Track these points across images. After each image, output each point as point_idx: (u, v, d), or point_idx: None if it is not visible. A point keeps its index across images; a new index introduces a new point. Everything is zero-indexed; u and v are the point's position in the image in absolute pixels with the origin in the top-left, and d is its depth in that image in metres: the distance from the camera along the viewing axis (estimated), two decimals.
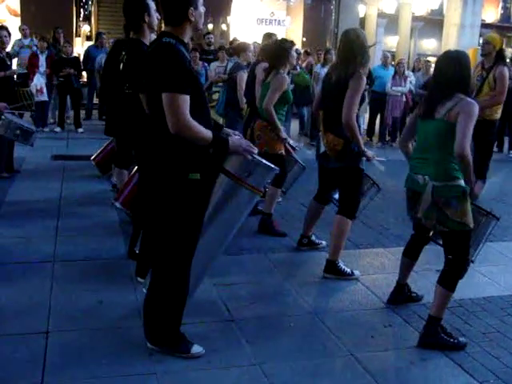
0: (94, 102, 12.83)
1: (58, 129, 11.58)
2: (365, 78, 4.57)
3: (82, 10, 16.61)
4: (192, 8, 3.18)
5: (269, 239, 5.67)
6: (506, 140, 12.53)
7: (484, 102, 6.81)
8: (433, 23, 24.84)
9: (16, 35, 12.32)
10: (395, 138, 12.29)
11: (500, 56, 7.20)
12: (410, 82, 12.40)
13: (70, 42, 12.54)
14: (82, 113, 12.50)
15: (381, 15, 22.33)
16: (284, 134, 5.72)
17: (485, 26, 21.72)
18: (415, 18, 23.64)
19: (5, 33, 7.43)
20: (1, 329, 3.64)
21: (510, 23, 28.69)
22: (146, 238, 4.36)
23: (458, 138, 3.51)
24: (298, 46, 14.31)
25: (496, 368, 3.54)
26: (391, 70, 12.51)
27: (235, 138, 3.35)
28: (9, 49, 9.08)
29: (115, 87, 4.96)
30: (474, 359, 3.63)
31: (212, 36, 12.02)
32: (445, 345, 3.71)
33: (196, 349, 3.45)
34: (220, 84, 9.44)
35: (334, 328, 3.93)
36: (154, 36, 4.61)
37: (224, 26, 17.03)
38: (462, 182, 3.64)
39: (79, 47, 16.38)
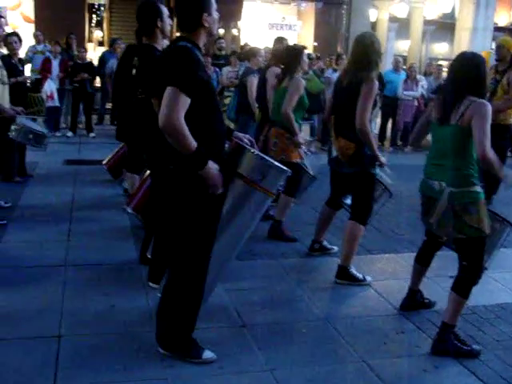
0: (107, 106, 12.88)
1: (69, 133, 11.64)
2: (377, 83, 4.55)
3: (94, 16, 16.70)
4: (206, 14, 3.19)
5: (280, 244, 5.66)
6: None
7: (498, 105, 6.76)
8: (444, 27, 24.73)
9: (30, 41, 12.43)
10: (407, 142, 12.24)
11: None
12: (422, 87, 12.36)
13: (85, 48, 12.61)
14: (94, 117, 12.56)
15: (392, 19, 22.27)
16: (301, 139, 5.71)
17: (497, 29, 21.60)
18: (427, 22, 23.55)
19: (15, 38, 7.51)
20: (13, 333, 3.65)
21: None
22: (158, 243, 4.37)
23: (478, 140, 3.45)
24: (310, 50, 14.29)
25: (511, 376, 3.50)
26: (403, 75, 12.48)
27: (214, 170, 3.13)
28: (22, 55, 9.15)
29: (127, 92, 4.98)
30: (488, 367, 3.59)
31: (223, 41, 12.02)
32: (458, 352, 3.68)
33: (207, 354, 3.44)
34: (231, 89, 9.45)
35: (346, 334, 3.91)
36: (166, 42, 4.62)
37: (235, 31, 17.06)
38: (478, 188, 3.61)
39: (91, 52, 16.47)
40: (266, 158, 3.50)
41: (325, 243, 5.45)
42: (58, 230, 5.70)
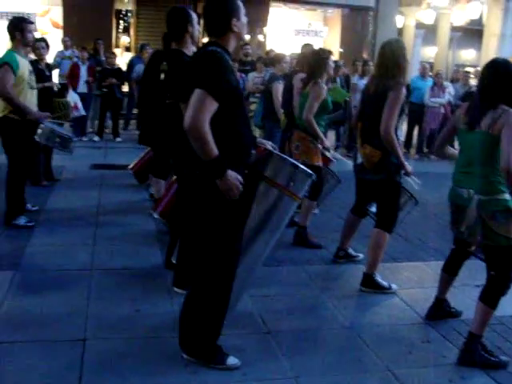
0: (133, 111, 12.97)
1: (96, 138, 11.76)
2: (404, 90, 4.51)
3: (121, 21, 16.85)
4: (235, 19, 3.20)
5: (305, 251, 5.64)
6: None
7: None
8: (472, 33, 24.54)
9: (58, 47, 12.59)
10: (433, 150, 12.12)
11: None
12: (449, 93, 12.25)
13: (114, 53, 12.73)
14: (121, 122, 12.67)
15: (418, 26, 22.14)
16: (327, 143, 5.69)
17: None
18: (453, 29, 23.36)
19: (43, 44, 7.62)
20: (39, 335, 3.68)
21: None
22: (183, 248, 4.37)
23: (504, 153, 3.40)
24: (336, 56, 14.26)
25: None
26: (429, 81, 12.39)
27: (233, 180, 3.10)
28: (50, 60, 9.26)
29: (154, 97, 5.01)
30: None
31: (249, 47, 12.03)
32: (485, 363, 3.62)
33: (231, 360, 3.43)
34: (257, 95, 9.46)
35: (371, 343, 3.88)
36: (194, 48, 4.64)
37: (261, 37, 17.08)
38: (507, 196, 3.55)
39: (118, 58, 16.60)
40: (294, 162, 3.51)
41: (350, 250, 5.42)
42: (83, 234, 5.75)
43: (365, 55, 16.83)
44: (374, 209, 5.00)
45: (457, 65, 23.50)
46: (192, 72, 3.16)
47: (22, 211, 5.96)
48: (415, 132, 12.76)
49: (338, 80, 10.71)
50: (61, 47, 12.64)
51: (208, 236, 3.31)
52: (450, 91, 12.38)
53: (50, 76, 8.07)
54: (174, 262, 4.68)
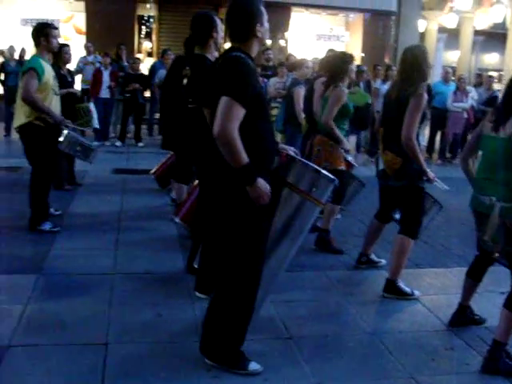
0: (155, 116, 13.05)
1: (118, 143, 11.85)
2: (426, 96, 4.48)
3: (143, 27, 16.97)
4: (258, 24, 3.20)
5: (327, 256, 5.62)
6: None
7: None
8: (495, 37, 24.32)
9: (81, 53, 12.72)
10: (456, 154, 12.03)
11: None
12: (472, 98, 12.14)
13: (139, 59, 12.82)
14: (143, 127, 12.75)
15: (441, 30, 22.01)
16: (348, 146, 5.67)
17: None
18: (476, 32, 23.19)
19: (68, 49, 7.61)
20: (62, 339, 3.70)
21: None
22: (205, 253, 4.38)
23: None
24: (358, 61, 14.20)
25: None
26: (452, 86, 12.29)
27: (262, 187, 3.13)
28: (72, 66, 9.32)
29: (177, 102, 5.02)
30: None
31: (271, 52, 12.05)
32: (510, 371, 3.56)
33: (253, 366, 3.42)
34: (278, 100, 9.46)
35: (394, 349, 3.84)
36: (216, 54, 4.65)
37: (282, 42, 17.08)
38: None
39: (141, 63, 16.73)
40: (317, 167, 3.50)
41: (372, 256, 5.39)
42: (106, 238, 5.79)
43: (387, 60, 16.76)
44: (398, 215, 4.96)
45: (480, 69, 23.27)
46: (216, 78, 3.16)
47: (47, 216, 6.01)
48: (438, 137, 12.65)
49: (361, 85, 10.67)
50: (83, 53, 12.77)
51: (234, 241, 3.30)
52: (473, 96, 12.26)
53: (73, 82, 8.11)
54: (195, 266, 4.69)
